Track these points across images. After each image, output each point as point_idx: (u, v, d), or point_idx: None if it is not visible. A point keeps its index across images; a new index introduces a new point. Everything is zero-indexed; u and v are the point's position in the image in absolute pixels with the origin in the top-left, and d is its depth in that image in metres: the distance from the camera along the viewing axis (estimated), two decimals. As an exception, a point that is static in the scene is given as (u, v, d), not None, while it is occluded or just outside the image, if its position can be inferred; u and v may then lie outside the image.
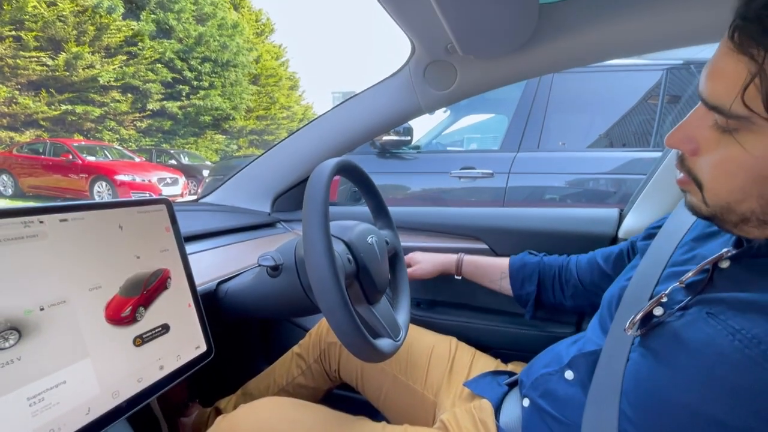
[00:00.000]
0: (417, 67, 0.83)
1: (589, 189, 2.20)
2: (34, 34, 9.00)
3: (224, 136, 15.07)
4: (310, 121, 1.06)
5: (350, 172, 0.67)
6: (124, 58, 10.79)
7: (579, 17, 0.67)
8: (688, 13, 0.64)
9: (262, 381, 0.88)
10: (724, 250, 0.42)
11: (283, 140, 1.09)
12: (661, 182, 0.88)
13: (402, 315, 0.70)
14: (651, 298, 0.46)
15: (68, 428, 0.36)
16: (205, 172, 8.95)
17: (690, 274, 0.43)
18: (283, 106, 17.58)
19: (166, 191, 7.92)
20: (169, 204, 0.52)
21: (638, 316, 0.44)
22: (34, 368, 0.35)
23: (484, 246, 0.98)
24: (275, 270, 0.62)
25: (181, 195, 8.24)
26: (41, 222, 0.38)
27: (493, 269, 0.83)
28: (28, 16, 8.74)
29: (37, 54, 9.15)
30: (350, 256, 0.59)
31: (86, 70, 9.96)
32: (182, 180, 8.42)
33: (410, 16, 0.66)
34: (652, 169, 0.93)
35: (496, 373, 0.69)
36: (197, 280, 0.56)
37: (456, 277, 0.88)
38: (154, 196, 0.51)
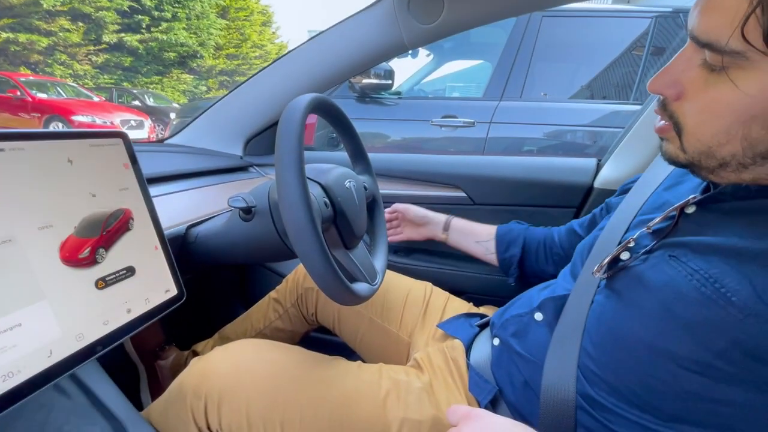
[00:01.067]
0: None
1: (566, 141, 2.21)
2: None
3: (192, 76, 14.04)
4: (284, 55, 0.98)
5: (326, 111, 0.63)
6: (70, -21, 9.54)
7: None
8: None
9: (239, 325, 0.89)
10: (691, 196, 0.43)
11: (254, 75, 1.01)
12: (639, 134, 0.88)
13: (379, 260, 0.70)
14: (619, 245, 0.47)
15: (29, 370, 0.35)
16: (172, 115, 8.38)
17: (657, 219, 0.44)
18: (256, 44, 16.34)
19: (131, 135, 7.29)
20: (126, 137, 0.47)
21: (605, 261, 0.46)
22: (-18, 310, 0.33)
23: (462, 194, 0.98)
24: (248, 213, 0.60)
25: (148, 139, 7.78)
26: (-29, 152, 0.33)
27: (481, 230, 0.84)
28: None
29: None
30: (327, 200, 0.57)
31: (27, -8, 8.79)
32: (148, 123, 7.88)
33: None
34: (632, 120, 0.92)
35: (469, 315, 0.72)
36: (164, 224, 0.53)
37: (441, 235, 0.87)
38: (110, 129, 0.46)
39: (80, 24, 10.11)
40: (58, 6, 9.32)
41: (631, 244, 0.45)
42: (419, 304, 0.77)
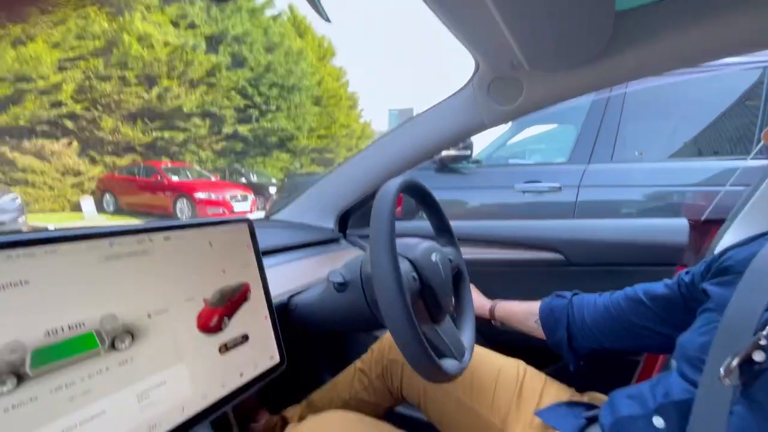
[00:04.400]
0: (481, 84, 0.83)
1: (673, 203, 1.99)
2: (134, 72, 10.40)
3: (288, 155, 16.03)
4: (374, 141, 1.10)
5: (413, 191, 0.68)
6: (205, 88, 12.05)
7: (660, 21, 0.62)
8: None
9: (326, 393, 0.90)
10: None
11: (348, 159, 1.14)
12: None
13: (467, 335, 0.68)
14: (750, 341, 0.40)
15: (167, 424, 0.41)
16: (272, 189, 9.71)
17: None
18: (343, 124, 18.35)
19: (237, 207, 8.70)
20: (250, 223, 0.57)
21: (735, 362, 0.39)
22: (142, 368, 0.40)
23: (559, 257, 0.99)
24: (342, 286, 0.64)
25: (250, 211, 8.96)
26: (150, 240, 0.43)
27: (521, 310, 0.81)
28: (131, 59, 10.15)
29: (136, 89, 10.54)
30: (415, 275, 0.60)
31: (174, 100, 11.27)
32: (251, 197, 9.18)
33: (474, 33, 0.66)
34: (760, 177, 0.83)
35: (572, 404, 0.65)
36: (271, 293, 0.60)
37: (493, 323, 0.87)
38: (239, 216, 0.56)
39: (207, 120, 12.51)
40: (194, 109, 11.73)
41: (763, 342, 0.38)
42: (512, 385, 0.72)
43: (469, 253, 0.92)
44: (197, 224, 0.49)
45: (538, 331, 0.77)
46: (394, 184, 0.57)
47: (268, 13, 14.62)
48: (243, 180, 11.35)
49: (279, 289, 0.72)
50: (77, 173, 9.73)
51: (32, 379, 0.34)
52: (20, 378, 0.33)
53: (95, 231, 0.38)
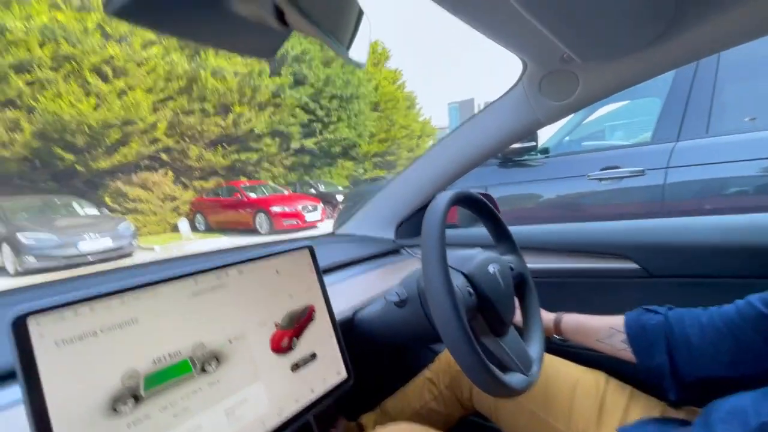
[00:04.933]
0: (531, 82, 0.79)
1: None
2: (212, 103, 11.60)
3: (352, 162, 16.59)
4: (429, 149, 1.10)
5: (465, 202, 0.68)
6: (272, 109, 13.00)
7: None
8: None
9: (398, 401, 0.93)
10: None
11: (404, 170, 1.17)
12: None
13: (534, 347, 0.66)
14: None
15: (251, 438, 0.46)
16: (339, 197, 10.19)
17: None
18: (402, 126, 18.48)
19: (309, 217, 9.27)
20: (311, 248, 0.62)
21: None
22: (228, 387, 0.46)
23: (634, 266, 0.84)
24: (401, 303, 0.66)
25: (321, 219, 9.50)
26: (227, 275, 0.50)
27: (599, 324, 0.69)
28: (208, 92, 11.34)
29: (215, 119, 11.75)
30: (470, 289, 0.59)
31: (246, 124, 12.33)
32: (320, 206, 9.74)
33: (514, 36, 0.64)
34: None
35: (663, 420, 0.59)
36: (335, 311, 0.64)
37: (555, 337, 0.78)
38: (301, 243, 0.61)
39: (277, 139, 13.48)
40: (264, 130, 12.72)
41: None
42: (592, 398, 0.67)
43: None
44: (265, 256, 0.55)
45: (623, 353, 0.66)
46: (443, 200, 0.58)
47: (323, 29, 15.31)
48: (312, 191, 12.07)
49: (344, 305, 0.77)
50: (174, 198, 11.12)
51: (145, 400, 0.41)
52: (137, 399, 0.40)
53: (183, 272, 0.45)
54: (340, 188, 12.97)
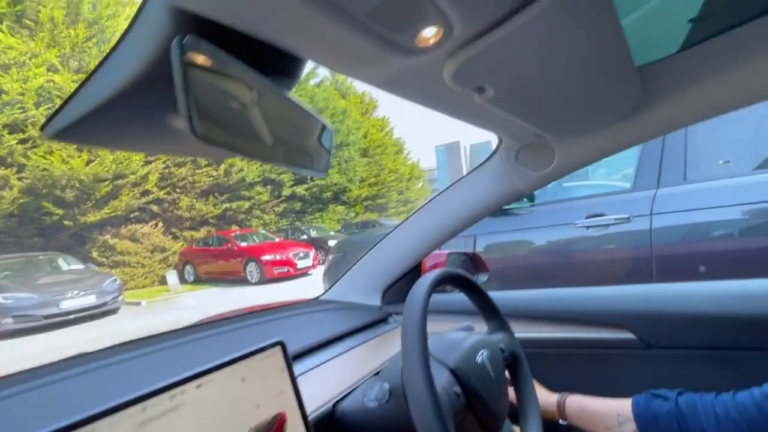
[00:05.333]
0: (507, 154, 0.79)
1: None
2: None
3: (343, 207, 16.72)
4: (412, 214, 1.09)
5: (448, 281, 0.64)
6: (263, 158, 13.29)
7: (687, 72, 0.56)
8: None
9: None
10: None
11: (388, 234, 1.14)
12: None
13: (532, 436, 0.60)
14: None
15: None
16: (331, 242, 10.09)
17: None
18: (391, 170, 18.91)
19: (301, 264, 9.11)
20: (283, 346, 0.57)
21: None
22: None
23: (631, 336, 0.80)
24: (386, 397, 0.61)
25: (313, 266, 9.32)
26: (182, 393, 0.44)
27: (606, 409, 0.65)
28: (200, 143, 11.61)
29: (206, 169, 11.87)
30: (457, 388, 0.54)
31: (238, 173, 12.47)
32: (312, 252, 9.58)
33: (486, 122, 0.64)
34: None
35: None
36: (313, 404, 0.58)
37: (561, 422, 0.72)
38: (272, 341, 0.56)
39: (268, 186, 13.60)
40: (255, 179, 12.85)
41: None
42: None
43: (516, 331, 0.74)
44: (228, 362, 0.50)
45: None
46: (425, 284, 0.54)
47: (312, 82, 16.09)
48: (304, 237, 11.96)
49: (324, 396, 0.70)
50: (163, 249, 10.92)
51: None
52: None
53: (126, 400, 0.40)
54: (332, 233, 12.97)
